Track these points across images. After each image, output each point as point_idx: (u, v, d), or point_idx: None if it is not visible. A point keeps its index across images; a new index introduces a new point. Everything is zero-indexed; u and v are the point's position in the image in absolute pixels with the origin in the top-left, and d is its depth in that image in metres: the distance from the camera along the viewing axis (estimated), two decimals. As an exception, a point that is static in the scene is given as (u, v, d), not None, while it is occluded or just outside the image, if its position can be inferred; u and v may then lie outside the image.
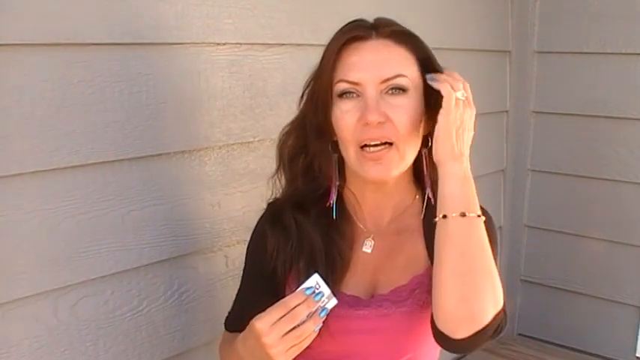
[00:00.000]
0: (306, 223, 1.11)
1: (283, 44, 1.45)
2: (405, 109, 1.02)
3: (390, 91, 1.02)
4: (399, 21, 1.06)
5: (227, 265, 1.40)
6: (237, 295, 1.22)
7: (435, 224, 1.11)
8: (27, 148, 1.06)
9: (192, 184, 1.33)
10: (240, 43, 1.37)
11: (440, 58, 1.08)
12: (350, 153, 1.04)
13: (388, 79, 1.01)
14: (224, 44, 1.34)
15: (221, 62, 1.34)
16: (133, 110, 1.20)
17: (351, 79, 1.02)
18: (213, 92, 1.33)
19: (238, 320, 1.21)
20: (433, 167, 1.09)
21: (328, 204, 1.11)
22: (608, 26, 2.06)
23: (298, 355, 1.14)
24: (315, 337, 1.07)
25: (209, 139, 1.34)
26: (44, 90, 1.07)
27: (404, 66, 1.03)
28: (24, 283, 1.08)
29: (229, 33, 1.35)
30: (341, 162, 1.11)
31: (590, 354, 2.27)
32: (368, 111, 1.00)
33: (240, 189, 1.40)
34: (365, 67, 1.01)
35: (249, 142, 1.42)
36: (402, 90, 1.02)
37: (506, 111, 2.33)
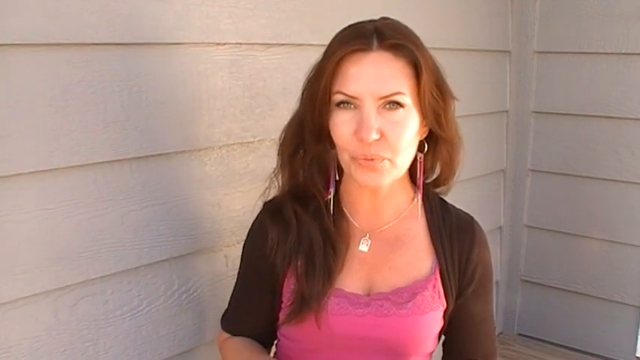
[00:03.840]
0: (305, 216, 1.12)
1: (283, 44, 1.45)
2: (401, 125, 1.01)
3: (388, 106, 1.01)
4: (401, 21, 1.06)
5: (227, 265, 1.40)
6: (233, 294, 1.23)
7: (442, 231, 1.12)
8: (27, 148, 1.06)
9: (192, 184, 1.33)
10: (240, 43, 1.37)
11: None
12: (344, 158, 1.05)
13: (386, 97, 1.00)
14: (224, 44, 1.34)
15: (221, 62, 1.34)
16: (133, 110, 1.20)
17: (349, 93, 1.01)
18: (213, 92, 1.33)
19: (235, 320, 1.22)
20: (424, 170, 1.12)
21: (327, 197, 1.12)
22: (608, 26, 2.06)
23: (296, 355, 1.15)
24: (314, 333, 1.08)
25: (209, 139, 1.34)
26: (44, 90, 1.07)
27: (403, 81, 1.01)
28: (24, 283, 1.08)
29: (229, 33, 1.34)
30: (339, 161, 1.11)
31: (590, 354, 2.27)
32: (363, 129, 0.99)
33: (240, 189, 1.40)
34: (364, 81, 1.00)
35: (249, 142, 1.41)
36: (399, 105, 1.01)
37: (506, 111, 2.33)
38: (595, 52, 2.11)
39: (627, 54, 2.05)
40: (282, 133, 1.14)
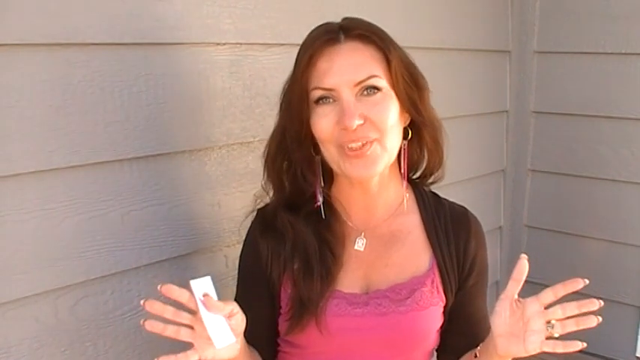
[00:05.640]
0: (297, 223, 1.12)
1: (283, 44, 1.45)
2: (382, 106, 1.03)
3: (365, 92, 1.03)
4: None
5: (227, 265, 1.40)
6: None
7: (437, 226, 1.12)
8: (27, 148, 1.06)
9: (192, 184, 1.33)
10: (240, 43, 1.37)
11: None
12: (331, 152, 1.06)
13: (362, 82, 1.02)
14: (224, 44, 1.34)
15: (221, 62, 1.34)
16: (133, 110, 1.20)
17: (325, 86, 1.03)
18: (213, 92, 1.33)
19: None
20: (413, 161, 1.14)
21: (316, 205, 1.12)
22: (608, 26, 2.06)
23: (297, 356, 1.15)
24: (315, 336, 1.08)
25: (209, 139, 1.34)
26: (44, 90, 1.07)
27: (375, 66, 1.04)
28: (24, 283, 1.08)
29: (229, 33, 1.35)
30: (325, 164, 1.11)
31: (590, 354, 2.27)
32: (345, 116, 1.01)
33: (240, 189, 1.40)
34: (337, 72, 1.02)
35: (249, 142, 1.42)
36: (376, 89, 1.03)
37: (506, 111, 2.33)
38: (595, 52, 2.11)
39: (627, 54, 2.05)
40: (266, 147, 1.15)
